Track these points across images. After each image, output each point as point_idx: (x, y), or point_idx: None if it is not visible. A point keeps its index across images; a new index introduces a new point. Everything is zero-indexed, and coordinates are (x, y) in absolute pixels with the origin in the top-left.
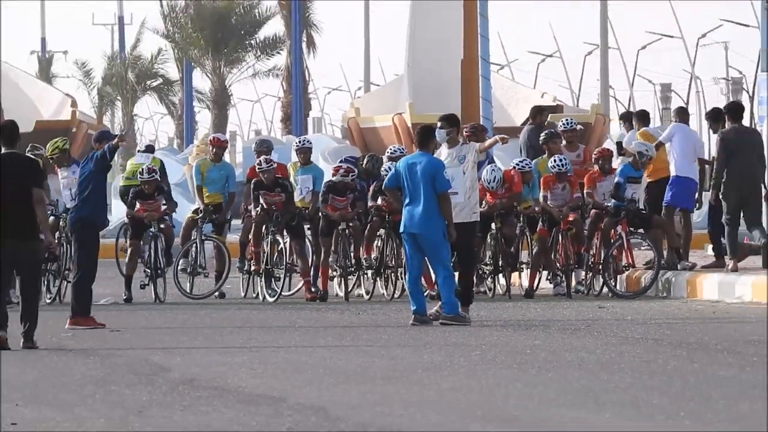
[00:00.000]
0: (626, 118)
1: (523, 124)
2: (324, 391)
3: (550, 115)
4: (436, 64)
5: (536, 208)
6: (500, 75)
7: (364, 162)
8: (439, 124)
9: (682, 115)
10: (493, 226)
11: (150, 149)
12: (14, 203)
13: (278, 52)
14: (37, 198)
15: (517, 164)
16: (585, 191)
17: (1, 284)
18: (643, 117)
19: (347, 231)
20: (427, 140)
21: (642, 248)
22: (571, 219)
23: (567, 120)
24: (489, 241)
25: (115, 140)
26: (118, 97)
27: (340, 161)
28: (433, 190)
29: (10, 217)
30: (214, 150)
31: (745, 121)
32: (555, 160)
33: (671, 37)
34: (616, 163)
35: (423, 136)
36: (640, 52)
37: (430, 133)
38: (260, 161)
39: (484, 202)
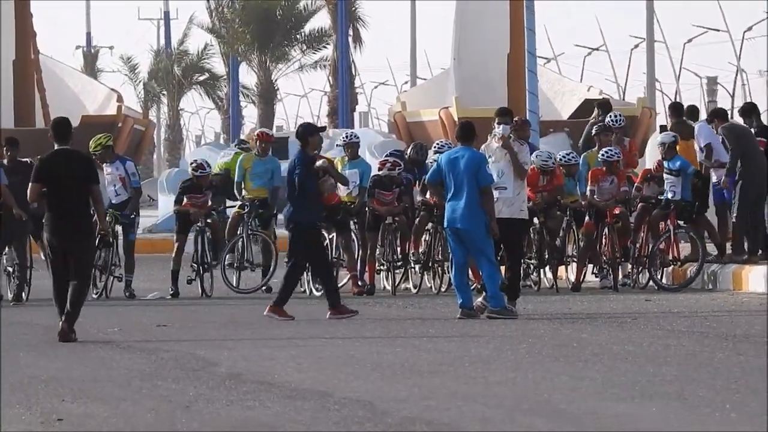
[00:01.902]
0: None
1: (571, 117)
2: (371, 385)
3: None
4: (482, 59)
5: (582, 202)
6: (546, 68)
7: (409, 151)
8: (497, 119)
9: (677, 111)
10: (536, 220)
11: (242, 144)
12: (69, 201)
13: (324, 47)
14: (95, 195)
15: (563, 157)
16: (636, 184)
17: (56, 278)
18: (678, 110)
19: (393, 225)
20: (469, 135)
21: (688, 242)
22: (617, 212)
23: (616, 115)
24: (533, 235)
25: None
26: (164, 92)
27: (386, 155)
28: (476, 185)
29: (66, 215)
30: (262, 144)
31: None
32: (605, 152)
33: (717, 30)
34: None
35: (465, 130)
36: (686, 45)
37: (471, 127)
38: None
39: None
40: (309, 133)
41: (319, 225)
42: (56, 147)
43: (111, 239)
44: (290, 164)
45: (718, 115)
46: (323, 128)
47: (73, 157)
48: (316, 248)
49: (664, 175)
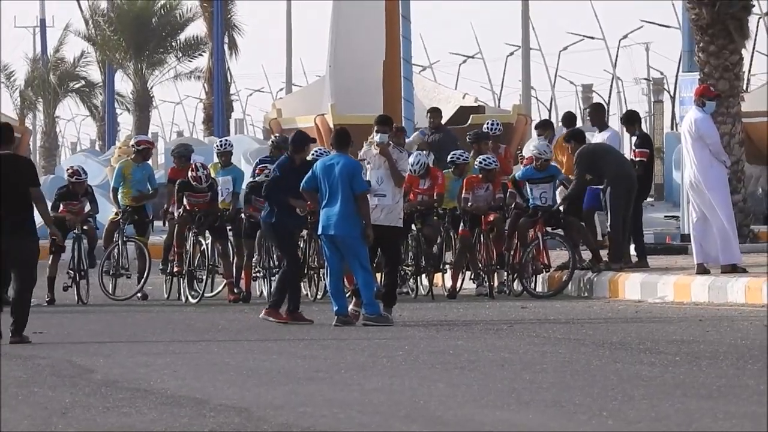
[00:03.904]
0: (543, 126)
1: (446, 124)
2: (247, 391)
3: (472, 116)
4: (358, 66)
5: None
6: (422, 76)
7: (273, 140)
8: (376, 127)
9: (570, 121)
10: (413, 227)
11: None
12: (10, 203)
13: (200, 54)
14: (36, 196)
15: (455, 156)
16: (509, 191)
17: (1, 283)
18: (566, 120)
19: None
20: (344, 141)
21: (561, 249)
22: (491, 219)
23: (493, 122)
24: (410, 242)
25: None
26: (40, 100)
27: (258, 161)
28: (351, 192)
29: (7, 217)
30: (142, 150)
31: (666, 122)
32: (482, 159)
33: (592, 38)
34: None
35: (340, 137)
36: (562, 53)
37: (346, 134)
38: (197, 167)
39: (408, 196)
40: (305, 142)
41: (300, 226)
42: None
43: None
44: (280, 169)
45: (573, 137)
46: (314, 139)
47: (11, 161)
48: (292, 248)
49: (528, 185)
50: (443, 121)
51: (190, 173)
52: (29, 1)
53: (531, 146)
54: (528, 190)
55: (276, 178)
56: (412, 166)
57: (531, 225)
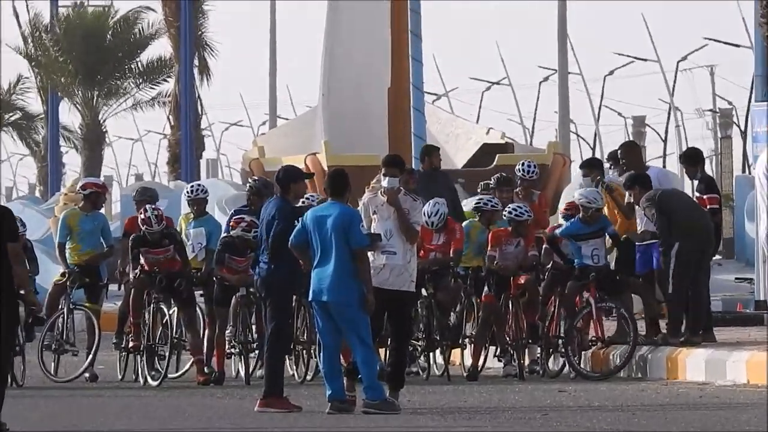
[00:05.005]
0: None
1: (466, 166)
2: None
3: (498, 155)
4: (357, 94)
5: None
6: (436, 106)
7: (250, 185)
8: (384, 170)
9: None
10: (424, 292)
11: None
12: None
13: (165, 80)
14: (13, 253)
15: (483, 202)
16: (544, 247)
17: None
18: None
19: (249, 298)
20: (340, 186)
21: (611, 318)
22: (522, 281)
23: (529, 164)
24: (420, 310)
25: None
26: None
27: (234, 212)
28: (347, 248)
29: None
30: (90, 195)
31: (737, 162)
32: (513, 208)
33: (645, 60)
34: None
35: (335, 181)
36: (607, 78)
37: (343, 177)
38: (146, 209)
39: (419, 253)
40: (292, 178)
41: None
42: None
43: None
44: (267, 215)
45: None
46: (311, 175)
47: None
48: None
49: (573, 242)
50: (462, 162)
51: (139, 218)
52: None
53: (576, 193)
54: (572, 247)
55: (283, 230)
56: (429, 217)
57: (580, 289)
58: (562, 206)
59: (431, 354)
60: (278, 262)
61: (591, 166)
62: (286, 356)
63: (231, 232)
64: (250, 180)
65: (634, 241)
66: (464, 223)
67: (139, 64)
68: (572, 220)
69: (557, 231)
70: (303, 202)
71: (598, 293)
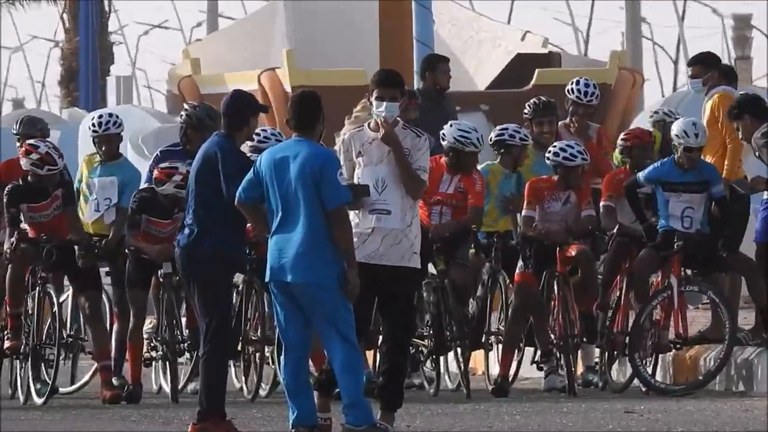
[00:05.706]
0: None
1: (492, 86)
2: None
3: (538, 71)
4: None
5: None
6: (451, 1)
7: (188, 114)
8: (375, 91)
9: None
10: (431, 268)
11: None
12: None
13: None
14: None
15: (506, 133)
16: (602, 203)
17: None
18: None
19: (176, 279)
20: (309, 117)
21: (700, 307)
22: (573, 253)
23: (587, 82)
24: (426, 296)
25: None
26: None
27: (158, 154)
28: (319, 205)
29: None
30: None
31: None
32: (561, 148)
33: None
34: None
35: (302, 109)
36: None
37: (313, 104)
38: (37, 145)
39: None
40: (252, 110)
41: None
42: None
43: None
44: (206, 156)
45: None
46: (265, 108)
47: None
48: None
49: (661, 193)
50: (487, 81)
51: (24, 159)
52: None
53: (674, 125)
54: (659, 199)
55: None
56: (469, 133)
57: (659, 264)
58: None
59: (442, 359)
60: (212, 225)
61: (704, 63)
62: (230, 362)
63: (156, 186)
64: (186, 107)
65: (743, 191)
66: (480, 167)
67: None
68: (663, 160)
69: (640, 175)
70: (261, 140)
71: (684, 272)
